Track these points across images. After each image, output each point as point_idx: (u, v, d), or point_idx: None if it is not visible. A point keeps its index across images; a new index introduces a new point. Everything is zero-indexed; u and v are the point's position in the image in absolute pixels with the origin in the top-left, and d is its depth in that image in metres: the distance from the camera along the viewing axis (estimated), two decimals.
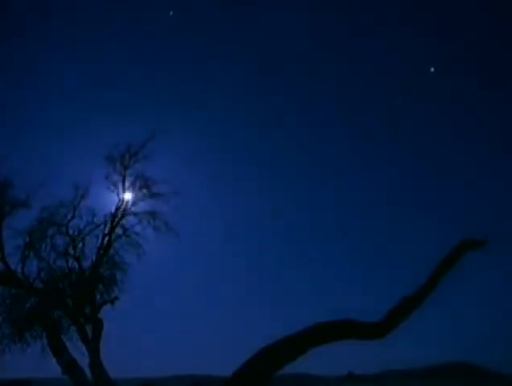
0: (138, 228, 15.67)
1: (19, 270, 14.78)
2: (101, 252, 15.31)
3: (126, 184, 15.70)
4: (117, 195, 15.64)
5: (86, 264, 15.44)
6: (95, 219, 15.51)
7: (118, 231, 15.55)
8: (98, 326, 14.85)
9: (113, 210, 15.54)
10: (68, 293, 15.35)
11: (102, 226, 15.45)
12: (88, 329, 14.91)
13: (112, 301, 15.45)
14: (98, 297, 15.49)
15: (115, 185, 15.64)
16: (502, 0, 68.16)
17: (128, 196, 15.71)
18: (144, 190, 15.76)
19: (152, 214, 15.63)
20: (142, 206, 15.79)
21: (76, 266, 15.39)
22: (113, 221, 15.42)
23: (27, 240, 15.00)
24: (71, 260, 15.39)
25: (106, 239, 15.37)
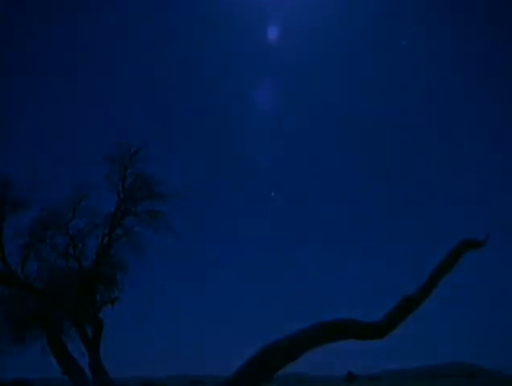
0: (138, 228, 15.67)
1: (19, 270, 14.80)
2: (101, 252, 15.29)
3: (126, 184, 15.69)
4: (117, 195, 15.63)
5: (86, 264, 15.45)
6: (95, 219, 15.52)
7: (118, 231, 15.54)
8: (98, 326, 14.85)
9: (113, 210, 15.54)
10: (68, 294, 15.34)
11: (102, 226, 15.45)
12: (89, 329, 14.91)
13: (112, 302, 15.46)
14: (98, 297, 15.50)
15: (115, 185, 15.64)
16: None
17: (128, 196, 15.69)
18: (144, 190, 15.75)
19: (152, 214, 15.62)
20: (142, 206, 15.78)
21: (76, 266, 15.40)
22: (113, 221, 15.39)
23: (27, 240, 15.00)
24: (71, 260, 15.41)
25: (106, 239, 15.35)
